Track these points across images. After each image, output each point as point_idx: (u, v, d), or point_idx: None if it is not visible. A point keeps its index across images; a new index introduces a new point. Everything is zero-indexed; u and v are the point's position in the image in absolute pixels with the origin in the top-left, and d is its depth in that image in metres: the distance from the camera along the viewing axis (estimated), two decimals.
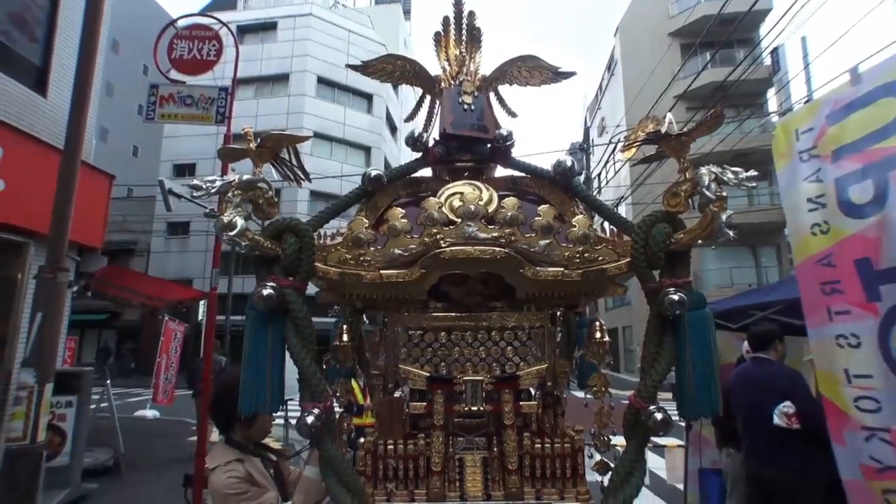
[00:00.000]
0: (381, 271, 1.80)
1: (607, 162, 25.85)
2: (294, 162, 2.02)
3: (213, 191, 1.74)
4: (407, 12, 43.55)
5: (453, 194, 1.96)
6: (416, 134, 2.11)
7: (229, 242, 1.72)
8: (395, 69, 2.26)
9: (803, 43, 17.89)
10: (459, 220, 1.79)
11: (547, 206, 1.85)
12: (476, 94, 2.25)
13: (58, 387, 4.93)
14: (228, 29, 6.71)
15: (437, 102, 2.26)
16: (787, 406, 3.46)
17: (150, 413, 11.89)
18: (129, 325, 25.52)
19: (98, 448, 6.99)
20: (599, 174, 26.77)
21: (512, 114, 2.41)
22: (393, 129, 31.44)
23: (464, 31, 2.25)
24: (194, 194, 1.73)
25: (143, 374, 21.84)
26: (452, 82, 2.21)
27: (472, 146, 2.19)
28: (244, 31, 28.56)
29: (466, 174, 2.20)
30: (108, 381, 7.33)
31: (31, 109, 6.20)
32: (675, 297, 1.69)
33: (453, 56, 2.29)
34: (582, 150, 21.63)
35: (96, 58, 3.65)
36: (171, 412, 11.14)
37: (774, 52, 19.72)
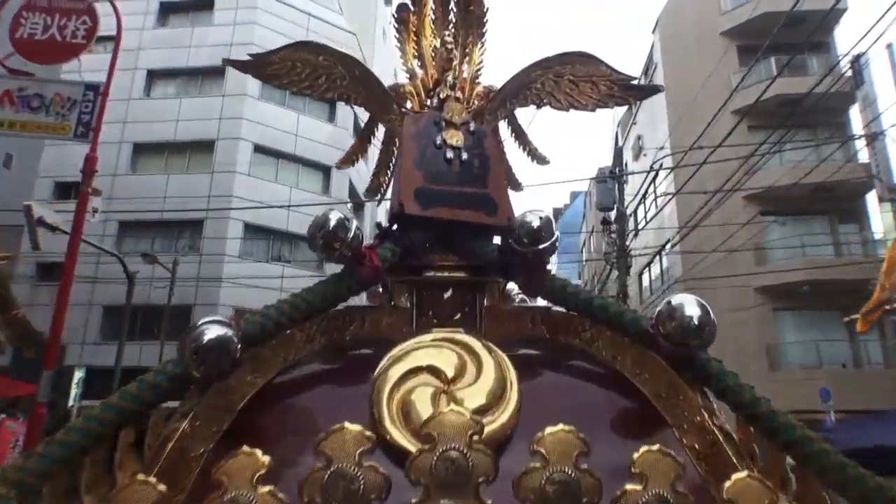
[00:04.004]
0: None
1: (646, 194, 25.57)
2: None
3: None
4: None
5: (410, 374, 1.14)
6: (332, 223, 1.32)
7: None
8: (310, 69, 1.77)
9: (890, 52, 17.80)
10: (422, 483, 1.05)
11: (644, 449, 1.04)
12: (471, 126, 1.60)
13: None
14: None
15: (397, 142, 1.80)
16: None
17: None
18: None
19: None
20: (636, 210, 26.39)
21: (542, 160, 2.02)
22: None
23: (452, 4, 1.84)
24: None
25: None
26: (427, 101, 1.80)
27: (459, 240, 1.59)
28: (168, 9, 28.59)
29: (448, 295, 1.50)
30: None
31: None
32: None
33: (429, 51, 1.84)
34: (613, 178, 21.21)
35: None
36: None
37: (856, 60, 19.74)
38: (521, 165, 2.10)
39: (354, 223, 1.39)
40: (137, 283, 18.88)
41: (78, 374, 18.50)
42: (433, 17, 1.90)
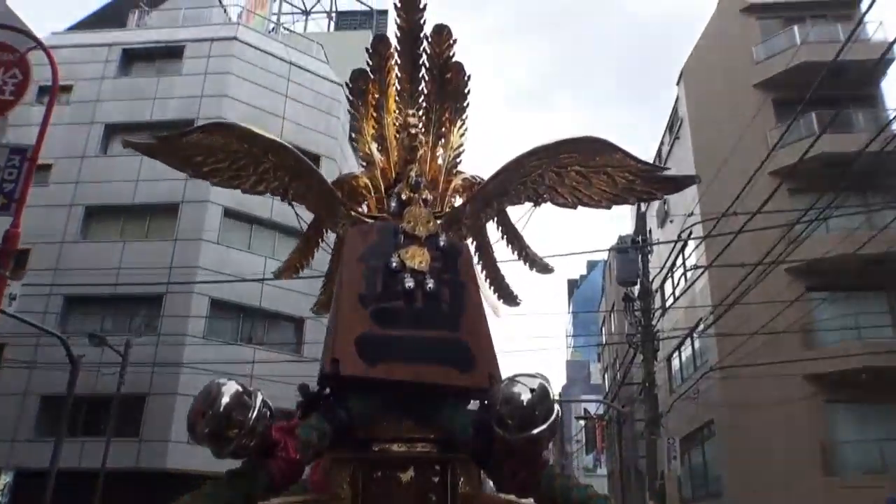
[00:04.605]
0: None
1: (674, 267, 25.35)
2: None
3: None
4: None
5: None
6: (224, 401, 1.08)
7: None
8: (232, 158, 1.73)
9: None
10: None
11: None
12: (441, 240, 1.75)
13: None
14: (43, 48, 5.85)
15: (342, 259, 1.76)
16: None
17: None
18: None
19: None
20: (662, 285, 26.10)
21: (544, 269, 2.04)
22: None
23: (423, 71, 1.78)
24: None
25: None
26: (388, 202, 1.71)
27: (420, 406, 1.54)
28: (132, 57, 29.05)
29: (407, 478, 1.56)
30: None
31: None
32: None
33: (393, 132, 1.83)
34: (636, 247, 21.04)
35: None
36: None
37: None
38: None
39: (259, 397, 1.10)
40: (83, 369, 18.43)
41: (4, 479, 17.82)
42: (399, 87, 1.67)
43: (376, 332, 1.22)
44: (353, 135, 1.57)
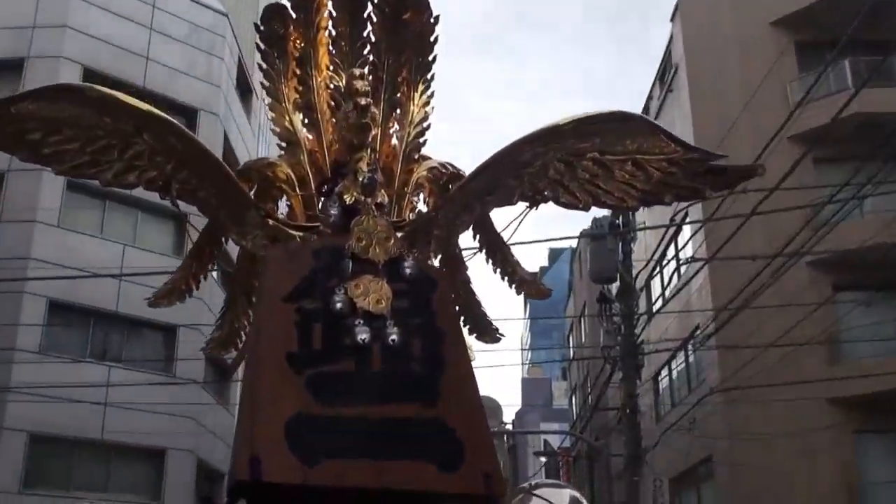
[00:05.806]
0: None
1: (663, 260, 25.62)
2: None
3: None
4: None
5: None
6: None
7: None
8: (85, 136, 1.51)
9: None
10: None
11: None
12: (407, 266, 1.52)
13: None
14: None
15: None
16: None
17: None
18: None
19: None
20: (648, 283, 26.37)
21: (537, 292, 2.05)
22: None
23: (371, 8, 1.69)
24: None
25: None
26: (323, 209, 1.65)
27: None
28: None
29: None
30: None
31: None
32: None
33: (326, 99, 1.72)
34: (615, 233, 21.07)
35: None
36: None
37: None
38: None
39: None
40: None
41: None
42: (334, 32, 1.49)
43: (316, 412, 1.05)
44: (269, 101, 1.42)
